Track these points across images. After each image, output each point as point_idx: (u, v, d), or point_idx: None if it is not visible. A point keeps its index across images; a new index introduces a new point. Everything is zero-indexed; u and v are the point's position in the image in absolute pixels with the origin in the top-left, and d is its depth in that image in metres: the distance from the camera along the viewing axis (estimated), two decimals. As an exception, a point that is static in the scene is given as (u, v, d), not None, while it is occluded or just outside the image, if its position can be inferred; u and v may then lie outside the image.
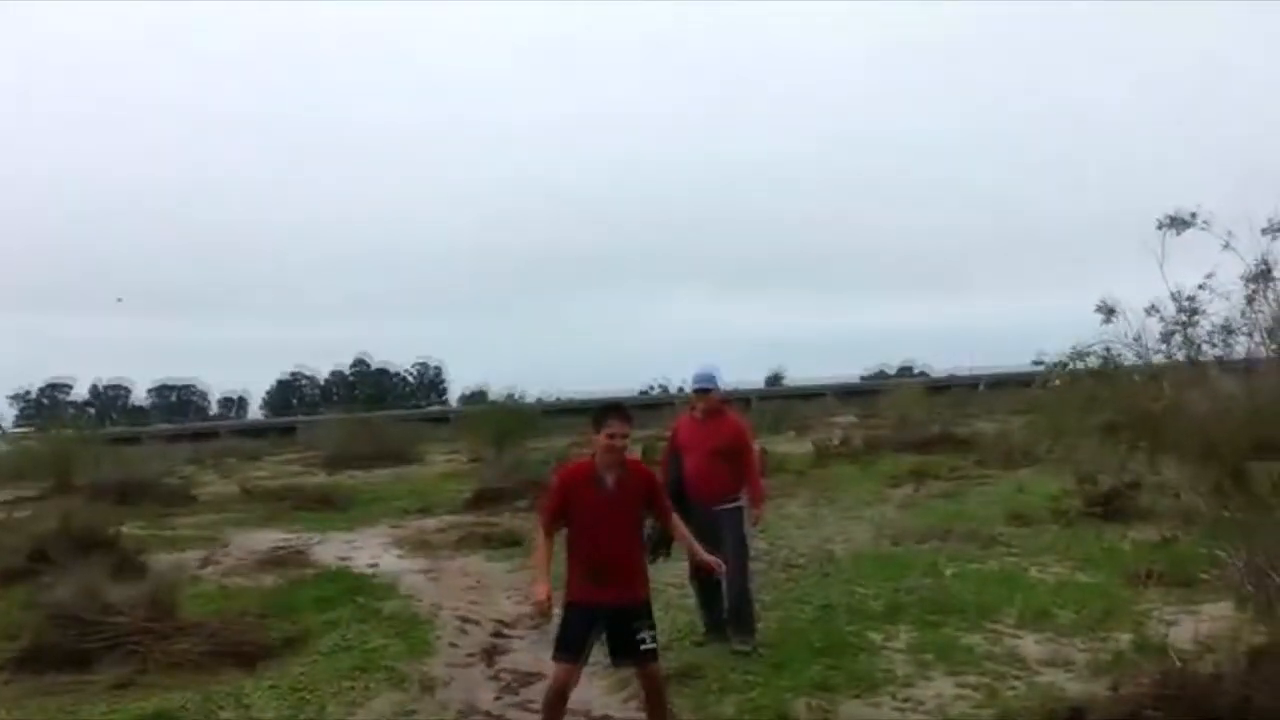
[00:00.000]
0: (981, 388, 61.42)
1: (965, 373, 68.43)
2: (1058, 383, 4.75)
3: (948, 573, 8.19)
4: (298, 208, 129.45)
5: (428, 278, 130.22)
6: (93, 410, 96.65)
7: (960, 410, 37.74)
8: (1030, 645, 6.12)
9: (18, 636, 7.06)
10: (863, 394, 58.34)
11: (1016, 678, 5.49)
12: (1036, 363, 4.85)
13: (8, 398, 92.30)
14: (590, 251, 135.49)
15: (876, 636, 6.39)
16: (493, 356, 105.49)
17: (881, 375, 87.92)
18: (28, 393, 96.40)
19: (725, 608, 6.45)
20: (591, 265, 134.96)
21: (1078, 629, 6.40)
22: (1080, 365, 4.81)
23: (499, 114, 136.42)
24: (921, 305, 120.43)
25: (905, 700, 5.23)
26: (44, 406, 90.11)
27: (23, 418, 78.77)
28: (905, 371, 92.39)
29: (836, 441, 23.56)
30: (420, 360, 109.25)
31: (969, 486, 14.16)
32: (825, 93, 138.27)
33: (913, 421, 26.73)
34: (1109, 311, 4.71)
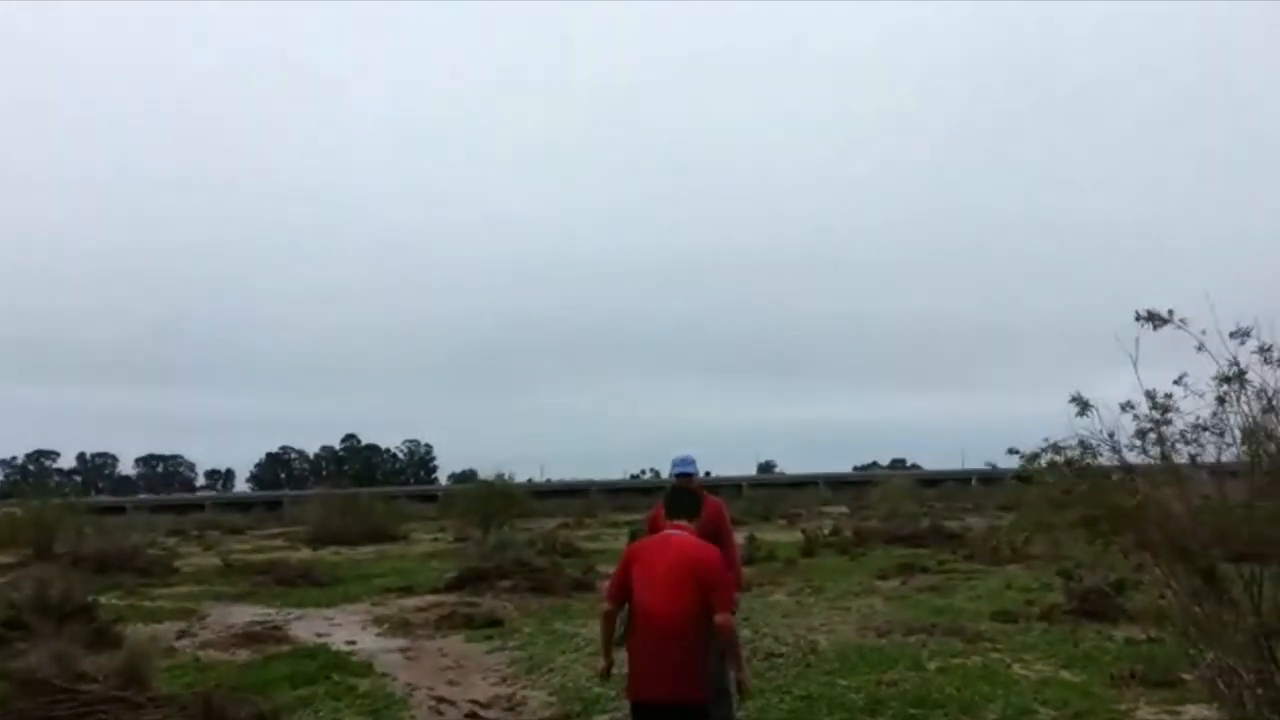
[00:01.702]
0: (974, 483, 61.42)
1: (958, 468, 68.62)
2: (1048, 478, 4.79)
3: (931, 667, 8.11)
4: (293, 286, 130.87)
5: (419, 359, 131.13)
6: (79, 479, 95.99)
7: (951, 504, 37.74)
8: (1011, 743, 6.06)
9: (-14, 704, 6.94)
10: (854, 485, 58.35)
11: (995, 775, 5.42)
12: (1011, 451, 4.90)
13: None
14: (584, 338, 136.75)
15: (856, 729, 6.32)
16: (482, 438, 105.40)
17: (874, 467, 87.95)
18: (14, 459, 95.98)
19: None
20: (585, 352, 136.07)
21: (1059, 728, 6.34)
22: (1055, 459, 4.88)
23: (496, 203, 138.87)
24: (915, 401, 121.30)
25: (881, 795, 5.16)
26: (29, 474, 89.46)
27: (8, 484, 78.20)
28: (897, 465, 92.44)
29: (826, 532, 23.47)
30: (410, 439, 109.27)
31: (957, 581, 14.07)
32: (817, 190, 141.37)
33: (903, 514, 26.64)
34: (1083, 405, 4.80)
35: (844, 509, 39.08)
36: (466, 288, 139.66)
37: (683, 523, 4.43)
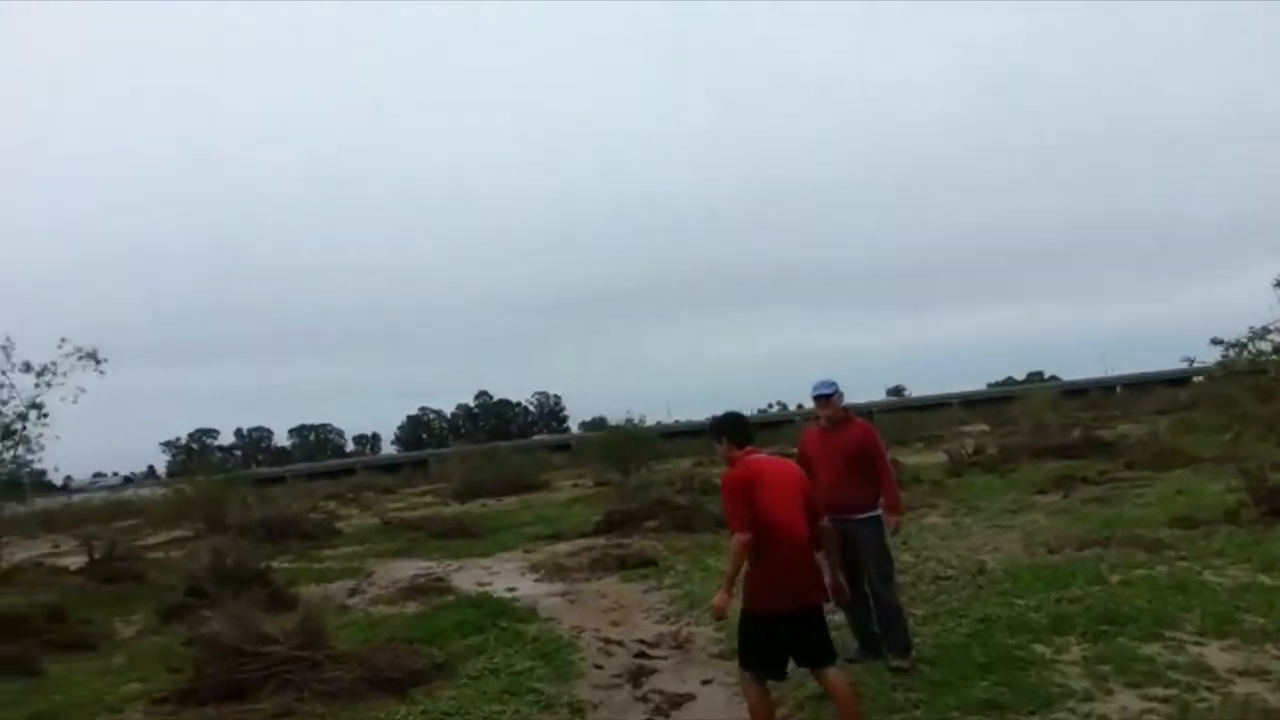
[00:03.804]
0: (1118, 390, 58.71)
1: (1098, 376, 65.76)
2: (1243, 370, 4.36)
3: (1114, 580, 7.66)
4: (419, 255, 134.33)
5: (542, 313, 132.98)
6: (238, 454, 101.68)
7: (1099, 413, 36.11)
8: (1217, 654, 5.64)
9: (180, 670, 7.30)
10: (989, 402, 56.50)
11: (1208, 689, 5.04)
12: (1215, 341, 4.46)
13: (160, 445, 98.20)
14: (700, 277, 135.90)
15: (1044, 650, 5.99)
16: (609, 385, 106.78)
17: (1010, 383, 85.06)
18: (178, 440, 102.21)
19: (875, 622, 6.17)
20: (702, 290, 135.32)
21: (1269, 636, 5.88)
22: (1261, 347, 4.42)
23: (595, 145, 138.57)
24: (1046, 312, 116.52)
25: (1086, 716, 4.84)
26: (193, 452, 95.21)
27: (174, 464, 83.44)
28: (1035, 378, 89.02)
29: (970, 451, 22.71)
30: (539, 391, 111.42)
31: (1123, 490, 13.36)
32: (930, 102, 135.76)
33: (1050, 427, 25.57)
34: (1292, 284, 4.31)
35: (984, 427, 37.86)
36: (577, 239, 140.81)
37: (754, 448, 4.87)
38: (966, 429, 38.78)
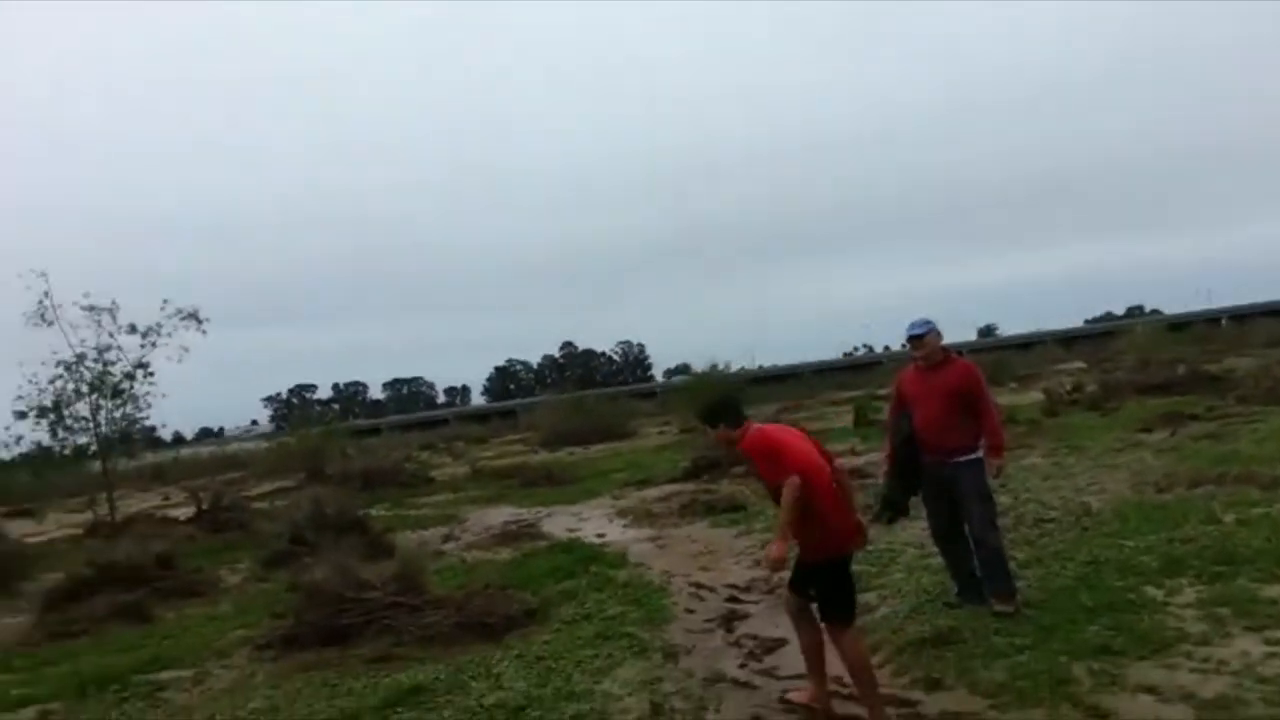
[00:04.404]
0: (1223, 323, 56.11)
1: (1201, 309, 62.94)
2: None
3: (1229, 519, 7.27)
4: (499, 215, 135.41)
5: (622, 263, 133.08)
6: (335, 407, 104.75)
7: (1205, 348, 34.54)
8: (1346, 596, 5.31)
9: (283, 616, 7.51)
10: (1086, 339, 54.58)
11: (1337, 633, 4.74)
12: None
13: (261, 401, 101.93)
14: (780, 220, 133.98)
15: (1156, 593, 5.72)
16: (692, 332, 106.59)
17: (1109, 319, 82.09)
18: (278, 395, 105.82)
19: (975, 567, 5.97)
20: (783, 235, 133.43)
21: (1405, 577, 5.51)
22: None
23: (677, 92, 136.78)
24: (1142, 244, 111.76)
25: (1204, 660, 4.59)
26: (293, 407, 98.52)
27: (276, 417, 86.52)
28: (1136, 312, 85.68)
29: (1069, 389, 21.94)
30: (623, 340, 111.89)
31: (1235, 426, 12.73)
32: (1014, 31, 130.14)
33: (1155, 362, 24.51)
34: None
35: (1081, 364, 36.59)
36: (656, 191, 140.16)
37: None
38: (1063, 367, 37.55)
